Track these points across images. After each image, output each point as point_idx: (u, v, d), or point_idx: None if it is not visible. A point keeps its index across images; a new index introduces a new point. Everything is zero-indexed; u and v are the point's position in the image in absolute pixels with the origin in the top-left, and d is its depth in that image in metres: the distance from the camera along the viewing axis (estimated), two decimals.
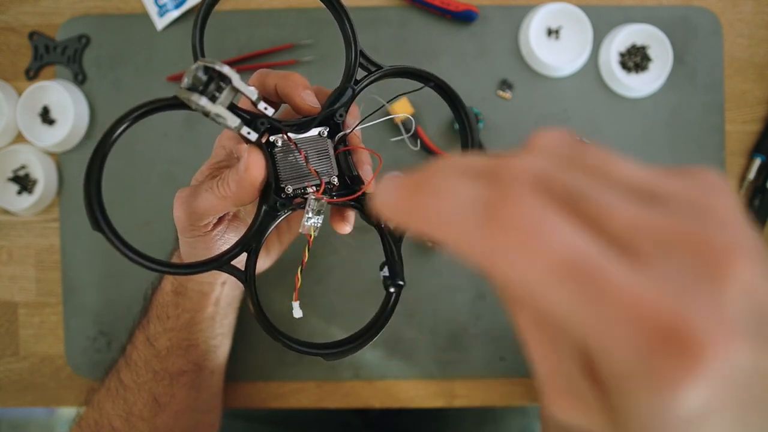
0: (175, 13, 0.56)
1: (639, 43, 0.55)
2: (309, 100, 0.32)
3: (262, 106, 0.30)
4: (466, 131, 0.36)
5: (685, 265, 0.14)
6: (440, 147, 0.55)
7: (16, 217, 0.58)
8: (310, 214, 0.32)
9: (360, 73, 0.35)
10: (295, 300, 0.31)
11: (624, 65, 0.55)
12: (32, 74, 0.57)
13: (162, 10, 0.56)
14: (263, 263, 0.46)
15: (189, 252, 0.36)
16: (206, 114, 0.29)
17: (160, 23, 0.57)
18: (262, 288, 0.56)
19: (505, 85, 0.56)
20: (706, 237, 0.14)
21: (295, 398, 0.57)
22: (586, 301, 0.14)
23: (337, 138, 0.33)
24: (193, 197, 0.33)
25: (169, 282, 0.44)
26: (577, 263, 0.14)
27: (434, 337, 0.56)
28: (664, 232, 0.14)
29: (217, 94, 0.28)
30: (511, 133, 0.56)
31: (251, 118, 0.31)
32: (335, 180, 0.33)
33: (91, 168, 0.29)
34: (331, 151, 0.33)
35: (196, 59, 0.31)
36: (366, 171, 0.34)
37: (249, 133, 0.31)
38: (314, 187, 0.33)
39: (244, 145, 0.33)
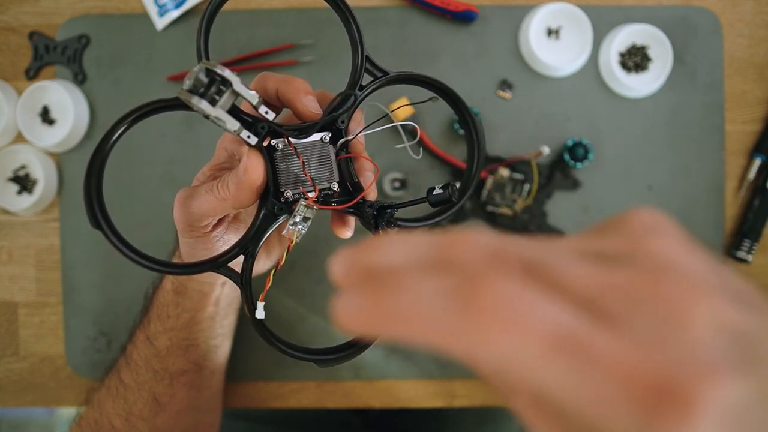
0: (175, 13, 0.56)
1: (639, 43, 0.55)
2: (310, 105, 0.32)
3: (263, 110, 0.30)
4: (473, 139, 0.35)
5: (654, 320, 0.14)
6: (441, 147, 0.55)
7: (16, 217, 0.58)
8: (297, 219, 0.32)
9: (365, 78, 0.34)
10: (261, 300, 0.31)
11: (624, 65, 0.55)
12: (32, 74, 0.57)
13: (162, 10, 0.56)
14: (264, 265, 0.46)
15: (189, 252, 0.36)
16: (206, 116, 0.29)
17: (160, 23, 0.57)
18: (259, 289, 0.56)
19: (505, 85, 0.56)
20: (657, 287, 0.14)
21: (295, 398, 0.57)
22: (580, 374, 0.13)
23: (339, 144, 0.33)
24: (192, 198, 0.33)
25: (169, 281, 0.44)
26: (565, 338, 0.14)
27: None
28: (623, 289, 0.14)
29: (217, 98, 0.28)
30: (511, 133, 0.56)
31: (252, 122, 0.31)
32: (335, 186, 0.33)
33: (92, 165, 0.29)
34: (333, 157, 0.33)
35: (199, 60, 0.31)
36: (367, 177, 0.34)
37: (249, 136, 0.31)
38: (311, 193, 0.32)
39: (246, 148, 0.33)
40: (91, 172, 0.29)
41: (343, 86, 0.56)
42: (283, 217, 0.33)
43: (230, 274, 0.32)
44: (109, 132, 0.29)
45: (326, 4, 0.35)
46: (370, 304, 0.16)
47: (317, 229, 0.54)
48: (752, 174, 0.55)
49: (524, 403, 0.16)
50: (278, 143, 0.32)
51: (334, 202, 0.33)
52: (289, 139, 0.32)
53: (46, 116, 0.56)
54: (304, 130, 0.32)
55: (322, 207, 0.32)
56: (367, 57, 0.34)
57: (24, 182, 0.56)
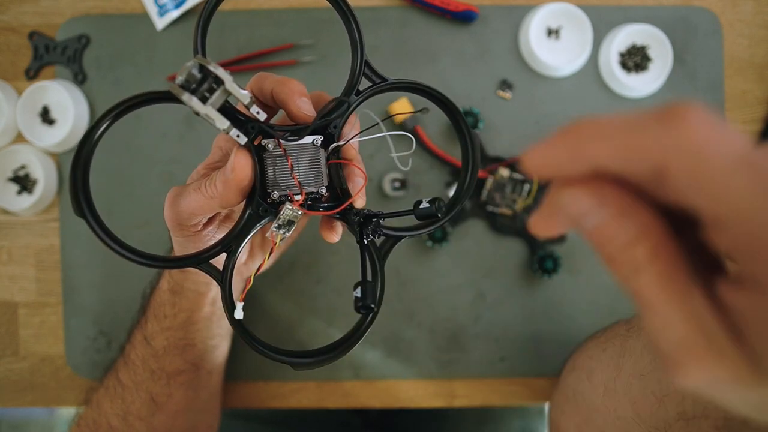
0: (175, 13, 0.56)
1: (639, 43, 0.55)
2: (303, 107, 0.32)
3: (254, 110, 0.30)
4: (467, 148, 0.35)
5: None
6: (440, 147, 0.55)
7: (16, 217, 0.58)
8: (281, 222, 0.31)
9: (364, 83, 0.34)
10: (240, 301, 0.31)
11: (624, 65, 0.55)
12: (32, 74, 0.57)
13: (162, 10, 0.56)
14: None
15: (180, 251, 0.36)
16: (197, 113, 0.28)
17: (160, 23, 0.57)
18: (259, 289, 0.56)
19: (505, 85, 0.56)
20: None
21: (295, 398, 0.57)
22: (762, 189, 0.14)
23: (330, 149, 0.33)
24: (181, 197, 0.33)
25: (166, 281, 0.44)
26: (754, 158, 0.14)
27: (434, 337, 0.56)
28: None
29: (208, 95, 0.28)
30: (511, 133, 0.56)
31: (244, 121, 0.31)
32: (324, 191, 0.33)
33: (79, 153, 0.29)
34: (323, 162, 0.33)
35: (195, 55, 0.31)
36: (356, 184, 0.34)
37: (238, 136, 0.30)
38: (297, 196, 0.32)
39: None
40: (78, 158, 0.29)
41: (343, 86, 0.56)
42: (267, 218, 0.32)
43: (211, 271, 0.32)
44: (99, 120, 0.29)
45: (326, 4, 0.34)
46: (563, 134, 0.17)
47: (316, 230, 0.54)
48: None
49: (652, 281, 0.16)
50: (268, 144, 0.32)
51: (322, 206, 0.33)
52: (280, 140, 0.32)
53: (46, 116, 0.56)
54: (296, 132, 0.32)
55: (307, 212, 0.32)
56: (366, 62, 0.34)
57: (24, 182, 0.56)
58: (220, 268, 0.32)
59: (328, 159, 0.33)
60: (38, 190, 0.55)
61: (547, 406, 0.79)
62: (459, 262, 0.56)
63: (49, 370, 0.58)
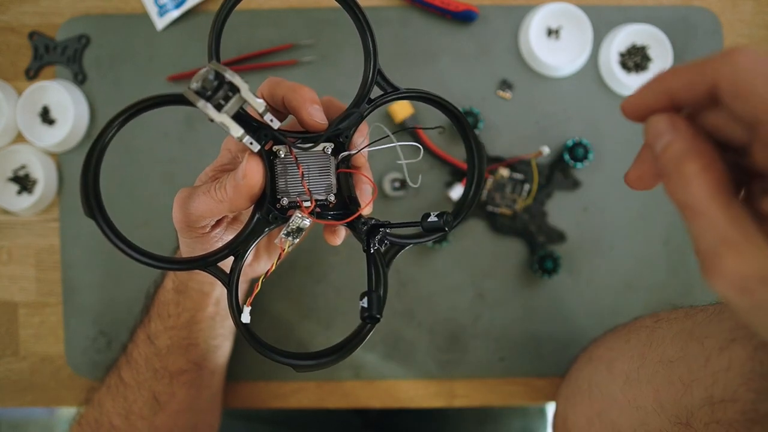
0: (175, 13, 0.56)
1: (639, 43, 0.55)
2: (315, 115, 0.32)
3: (268, 117, 0.30)
4: (474, 162, 0.35)
5: None
6: (440, 147, 0.55)
7: (16, 217, 0.58)
8: (290, 230, 0.32)
9: (375, 91, 0.34)
10: (248, 305, 0.31)
11: (624, 65, 0.55)
12: (32, 74, 0.57)
13: (162, 10, 0.56)
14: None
15: (188, 252, 0.36)
16: (211, 120, 0.28)
17: (160, 23, 0.57)
18: (263, 290, 0.56)
19: (505, 85, 0.56)
20: None
21: (295, 398, 0.57)
22: None
23: (340, 157, 0.33)
24: (190, 199, 0.33)
25: (170, 280, 0.44)
26: None
27: (434, 337, 0.56)
28: None
29: (223, 103, 0.28)
30: (511, 133, 0.56)
31: (256, 126, 0.31)
32: (332, 198, 0.33)
33: (92, 153, 0.29)
34: (333, 169, 0.33)
35: (210, 60, 0.31)
36: (363, 191, 0.34)
37: (251, 143, 0.30)
38: (306, 204, 0.32)
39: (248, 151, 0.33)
40: (90, 159, 0.29)
41: (344, 86, 0.56)
42: (275, 224, 0.32)
43: (218, 274, 0.32)
44: (111, 121, 0.29)
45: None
46: (650, 81, 0.23)
47: (317, 229, 0.55)
48: None
49: (703, 186, 0.20)
50: (280, 150, 0.32)
51: (330, 215, 0.33)
52: (292, 149, 0.32)
53: (46, 116, 0.56)
54: (308, 140, 0.32)
55: (317, 221, 0.32)
56: (378, 70, 0.33)
57: (24, 182, 0.56)
58: (227, 270, 0.32)
59: (337, 167, 0.33)
60: (38, 190, 0.55)
61: (547, 405, 0.79)
62: (459, 262, 0.56)
63: (49, 370, 0.58)
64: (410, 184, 0.55)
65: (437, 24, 0.56)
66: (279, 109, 0.34)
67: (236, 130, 0.29)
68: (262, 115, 0.30)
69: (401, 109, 0.54)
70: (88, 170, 0.29)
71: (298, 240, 0.32)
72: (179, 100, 0.29)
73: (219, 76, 0.28)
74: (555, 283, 0.56)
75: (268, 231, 0.32)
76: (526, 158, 0.55)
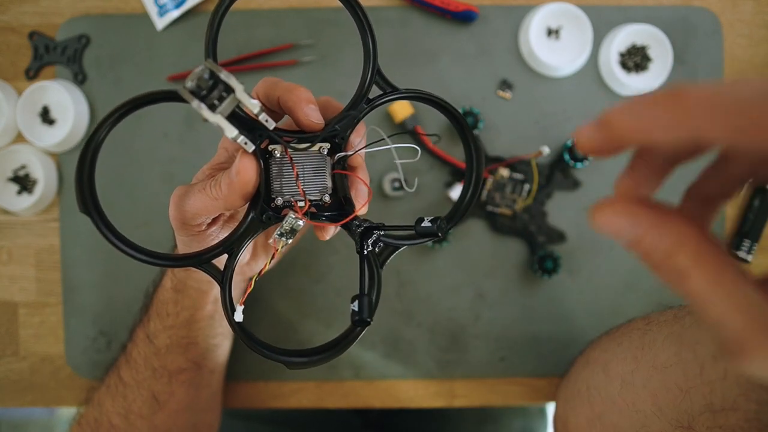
0: (175, 13, 0.56)
1: (639, 43, 0.55)
2: (311, 115, 0.32)
3: (263, 117, 0.30)
4: (472, 161, 0.35)
5: None
6: (440, 147, 0.55)
7: (16, 217, 0.58)
8: (284, 230, 0.32)
9: (374, 90, 0.34)
10: (240, 304, 0.31)
11: (624, 65, 0.55)
12: (32, 74, 0.57)
13: (162, 10, 0.56)
14: (262, 265, 0.46)
15: (184, 250, 0.36)
16: (205, 120, 0.28)
17: (160, 23, 0.57)
18: (259, 289, 0.56)
19: (505, 85, 0.56)
20: None
21: (295, 398, 0.57)
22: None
23: (336, 158, 0.33)
24: (186, 196, 0.33)
25: (169, 279, 0.44)
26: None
27: (434, 337, 0.56)
28: None
29: (217, 103, 0.28)
30: (511, 133, 0.56)
31: (252, 126, 0.31)
32: (327, 198, 0.33)
33: (87, 148, 0.28)
34: (329, 170, 0.33)
35: (206, 58, 0.31)
36: (357, 192, 0.34)
37: (246, 143, 0.30)
38: (301, 204, 0.32)
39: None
40: (86, 154, 0.28)
41: (344, 86, 0.56)
42: (270, 223, 0.32)
43: (212, 271, 0.32)
44: (107, 117, 0.29)
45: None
46: (666, 97, 0.17)
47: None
48: None
49: (704, 277, 0.17)
50: (275, 149, 0.32)
51: (324, 216, 0.33)
52: (288, 150, 0.32)
53: (46, 116, 0.56)
54: (304, 140, 0.32)
55: (310, 222, 0.32)
56: (378, 70, 0.33)
57: (24, 182, 0.56)
58: (222, 268, 0.32)
59: (333, 167, 0.33)
60: (38, 190, 0.55)
61: (547, 405, 0.79)
62: (459, 262, 0.56)
63: (49, 370, 0.58)
64: (406, 188, 0.55)
65: (437, 24, 0.56)
66: (275, 110, 0.33)
67: (230, 131, 0.29)
68: (256, 117, 0.30)
69: (401, 110, 0.54)
70: (83, 166, 0.29)
71: (291, 240, 0.32)
72: (174, 97, 0.29)
73: (214, 76, 0.27)
74: (555, 283, 0.56)
75: (261, 230, 0.32)
76: (526, 158, 0.55)
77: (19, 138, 0.57)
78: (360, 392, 0.57)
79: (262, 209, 0.32)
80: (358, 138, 0.34)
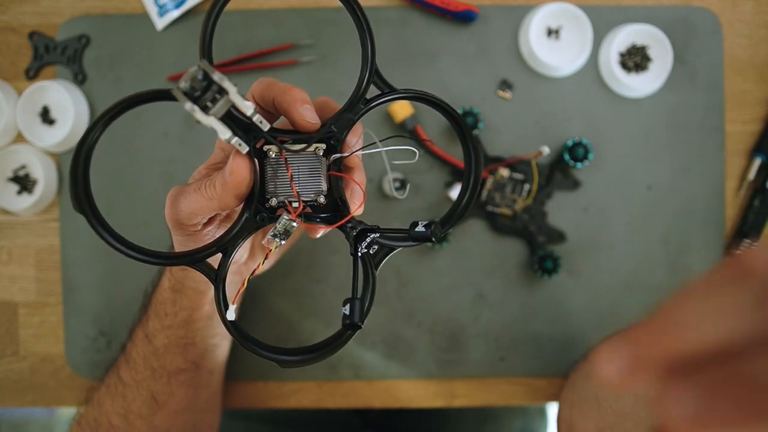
0: (175, 13, 0.56)
1: (639, 43, 0.55)
2: (307, 116, 0.32)
3: (257, 119, 0.30)
4: (470, 166, 0.35)
5: None
6: (440, 146, 0.55)
7: (16, 217, 0.58)
8: (277, 231, 0.31)
9: (372, 91, 0.34)
10: (233, 303, 0.31)
11: (624, 65, 0.55)
12: (32, 74, 0.57)
13: (162, 10, 0.56)
14: (263, 265, 0.46)
15: (180, 250, 0.36)
16: (197, 122, 0.28)
17: (160, 23, 0.57)
18: (259, 289, 0.56)
19: (505, 85, 0.56)
20: None
21: (295, 398, 0.57)
22: None
23: (332, 158, 0.33)
24: (182, 196, 0.33)
25: (167, 279, 0.44)
26: None
27: (434, 337, 0.56)
28: None
29: (210, 105, 0.28)
30: (511, 133, 0.56)
31: (247, 126, 0.31)
32: (322, 199, 0.33)
33: (82, 145, 0.28)
34: (324, 170, 0.33)
35: (201, 58, 0.31)
36: (352, 193, 0.34)
37: (240, 144, 0.30)
38: (295, 205, 0.32)
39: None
40: (80, 152, 0.28)
41: (343, 86, 0.56)
42: (264, 224, 0.32)
43: (206, 270, 0.32)
44: (102, 115, 0.29)
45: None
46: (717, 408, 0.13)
47: None
48: (752, 174, 0.55)
49: None
50: (270, 150, 0.32)
51: (318, 216, 0.33)
52: (283, 152, 0.31)
53: (46, 116, 0.56)
54: (299, 140, 0.32)
55: (304, 224, 0.32)
56: (376, 71, 0.33)
57: (24, 182, 0.56)
58: (217, 267, 0.32)
59: (329, 168, 0.33)
60: (38, 190, 0.55)
61: (547, 405, 0.79)
62: (459, 262, 0.56)
63: (49, 370, 0.58)
64: (396, 194, 0.55)
65: (437, 24, 0.56)
66: (270, 111, 0.33)
67: (224, 133, 0.29)
68: (250, 118, 0.29)
69: (401, 109, 0.54)
70: (77, 163, 0.28)
71: (285, 242, 0.32)
72: (167, 96, 0.29)
73: (207, 77, 0.27)
74: (555, 283, 0.56)
75: (255, 231, 0.32)
76: (526, 158, 0.55)
77: (19, 138, 0.57)
78: (360, 392, 0.57)
79: (257, 209, 0.32)
80: (355, 138, 0.34)
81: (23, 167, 0.57)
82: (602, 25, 0.56)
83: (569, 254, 0.56)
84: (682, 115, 0.56)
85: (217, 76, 0.27)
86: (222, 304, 0.31)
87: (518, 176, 0.55)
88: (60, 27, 0.57)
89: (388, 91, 0.34)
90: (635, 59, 0.55)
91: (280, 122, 0.37)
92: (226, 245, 0.32)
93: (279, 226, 0.31)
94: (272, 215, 0.32)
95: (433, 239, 0.31)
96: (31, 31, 0.57)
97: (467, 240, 0.56)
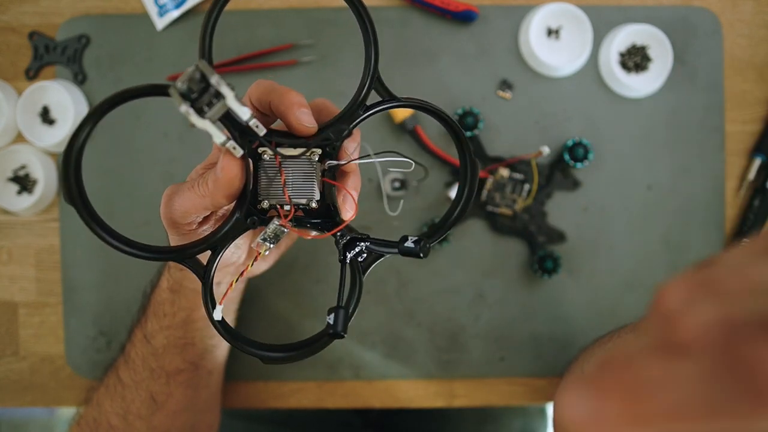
0: (175, 13, 0.56)
1: (639, 43, 0.55)
2: (303, 119, 0.31)
3: (254, 124, 0.30)
4: (467, 176, 0.35)
5: None
6: (440, 147, 0.55)
7: (16, 217, 0.58)
8: (267, 235, 0.31)
9: (373, 96, 0.34)
10: (220, 303, 0.31)
11: (624, 65, 0.55)
12: (32, 74, 0.57)
13: (162, 10, 0.56)
14: (261, 265, 0.46)
15: None
16: (192, 125, 0.28)
17: (160, 23, 0.57)
18: (261, 289, 0.56)
19: (505, 85, 0.56)
20: None
21: (295, 398, 0.57)
22: None
23: (327, 165, 0.33)
24: (176, 195, 0.33)
25: (165, 279, 0.44)
26: None
27: (434, 337, 0.56)
28: None
29: (206, 108, 0.27)
30: (511, 133, 0.56)
31: (243, 127, 0.30)
32: (314, 204, 0.33)
33: (75, 138, 0.28)
34: (317, 176, 0.32)
35: (201, 58, 0.31)
36: (345, 201, 0.34)
37: (235, 148, 0.30)
38: (286, 209, 0.32)
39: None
40: (72, 145, 0.28)
41: (343, 87, 0.56)
42: (255, 225, 0.32)
43: (193, 266, 0.32)
44: (96, 108, 0.28)
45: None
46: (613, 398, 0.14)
47: None
48: (752, 174, 0.55)
49: None
50: (265, 152, 0.32)
51: (309, 221, 0.33)
52: (278, 157, 0.31)
53: (46, 116, 0.56)
54: (295, 145, 0.32)
55: (294, 230, 0.32)
56: (377, 77, 0.33)
57: (24, 182, 0.56)
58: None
59: (323, 174, 0.33)
60: (38, 190, 0.55)
61: (547, 405, 0.79)
62: (459, 262, 0.56)
63: (49, 370, 0.58)
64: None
65: (437, 24, 0.56)
66: (267, 113, 0.33)
67: (218, 137, 0.29)
68: (246, 123, 0.29)
69: (401, 110, 0.54)
70: (70, 155, 0.28)
71: (274, 245, 0.32)
72: (162, 92, 0.29)
73: (205, 79, 0.27)
74: (555, 283, 0.56)
75: (245, 232, 0.32)
76: (526, 158, 0.55)
77: (19, 138, 0.57)
78: (360, 392, 0.57)
79: (249, 211, 0.32)
80: (353, 144, 0.34)
81: (23, 167, 0.57)
82: (602, 25, 0.56)
83: (569, 254, 0.56)
84: (682, 115, 0.56)
85: (214, 80, 0.27)
86: (209, 302, 0.31)
87: (518, 176, 0.55)
88: (60, 27, 0.57)
89: (389, 98, 0.33)
90: (635, 59, 0.55)
91: (278, 124, 0.37)
92: (215, 243, 0.32)
93: (269, 230, 0.31)
94: (263, 218, 0.32)
95: (422, 255, 0.31)
96: (31, 31, 0.57)
97: (467, 240, 0.56)
